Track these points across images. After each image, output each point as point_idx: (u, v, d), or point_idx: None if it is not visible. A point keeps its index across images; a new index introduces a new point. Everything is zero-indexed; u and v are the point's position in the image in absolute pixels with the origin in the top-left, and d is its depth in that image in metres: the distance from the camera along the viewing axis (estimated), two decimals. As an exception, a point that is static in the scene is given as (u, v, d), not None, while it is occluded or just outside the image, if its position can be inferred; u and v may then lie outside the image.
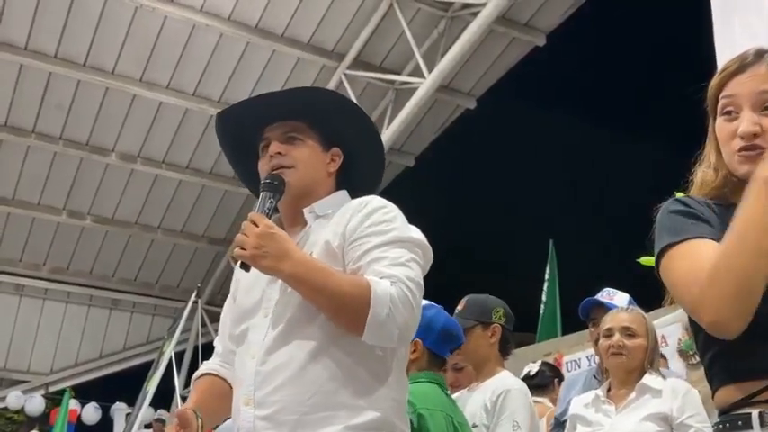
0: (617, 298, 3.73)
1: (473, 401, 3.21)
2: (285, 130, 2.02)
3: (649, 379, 3.01)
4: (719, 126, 1.57)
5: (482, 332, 3.33)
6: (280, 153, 1.99)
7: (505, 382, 3.23)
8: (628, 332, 3.08)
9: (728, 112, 1.54)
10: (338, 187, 2.07)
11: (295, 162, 1.99)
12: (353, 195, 2.04)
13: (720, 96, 1.58)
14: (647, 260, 3.90)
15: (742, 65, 1.57)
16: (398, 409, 1.86)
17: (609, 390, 3.10)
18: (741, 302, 1.37)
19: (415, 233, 1.92)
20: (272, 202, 1.92)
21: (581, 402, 3.17)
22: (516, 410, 3.10)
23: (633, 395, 2.99)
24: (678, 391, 2.95)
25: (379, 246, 1.85)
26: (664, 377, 3.06)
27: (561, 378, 5.21)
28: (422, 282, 1.85)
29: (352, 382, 1.80)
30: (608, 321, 3.17)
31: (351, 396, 1.78)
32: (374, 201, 1.95)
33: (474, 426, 3.09)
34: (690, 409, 2.88)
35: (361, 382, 1.81)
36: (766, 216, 1.37)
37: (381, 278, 1.78)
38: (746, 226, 1.39)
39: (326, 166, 2.04)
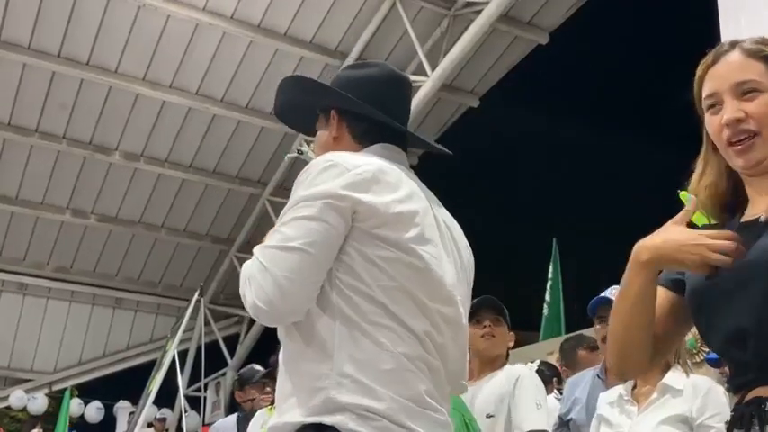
0: (625, 296, 3.71)
1: (483, 393, 3.27)
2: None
3: (672, 377, 2.93)
4: (708, 122, 1.57)
5: (507, 332, 3.51)
6: None
7: (516, 371, 3.36)
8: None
9: (713, 106, 1.55)
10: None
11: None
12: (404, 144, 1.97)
13: (702, 92, 1.58)
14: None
15: (717, 55, 1.57)
16: (350, 385, 1.63)
17: (634, 387, 3.03)
18: (620, 360, 1.59)
19: (320, 186, 1.70)
20: None
21: (605, 401, 3.10)
22: (537, 392, 3.27)
23: (655, 395, 2.92)
24: (699, 389, 2.86)
25: (279, 219, 1.76)
26: (687, 374, 2.95)
27: (560, 378, 5.19)
28: (299, 237, 1.66)
29: (291, 367, 1.72)
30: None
31: (292, 382, 1.70)
32: (309, 164, 1.81)
33: (489, 416, 3.18)
34: (711, 408, 2.79)
35: (299, 365, 1.70)
36: (629, 291, 1.53)
37: None
38: (618, 299, 1.57)
39: (331, 133, 1.95)
